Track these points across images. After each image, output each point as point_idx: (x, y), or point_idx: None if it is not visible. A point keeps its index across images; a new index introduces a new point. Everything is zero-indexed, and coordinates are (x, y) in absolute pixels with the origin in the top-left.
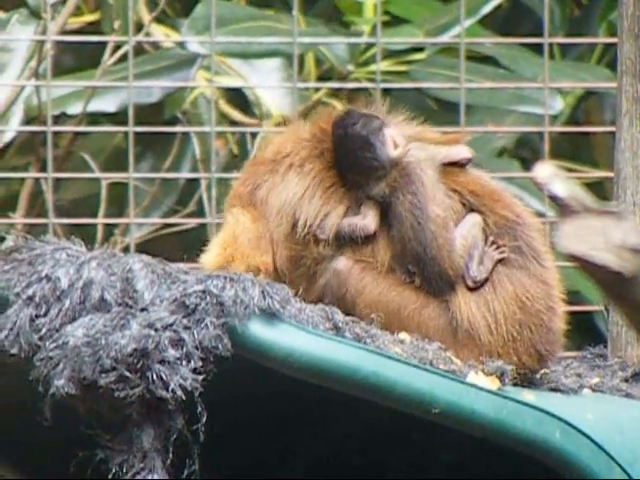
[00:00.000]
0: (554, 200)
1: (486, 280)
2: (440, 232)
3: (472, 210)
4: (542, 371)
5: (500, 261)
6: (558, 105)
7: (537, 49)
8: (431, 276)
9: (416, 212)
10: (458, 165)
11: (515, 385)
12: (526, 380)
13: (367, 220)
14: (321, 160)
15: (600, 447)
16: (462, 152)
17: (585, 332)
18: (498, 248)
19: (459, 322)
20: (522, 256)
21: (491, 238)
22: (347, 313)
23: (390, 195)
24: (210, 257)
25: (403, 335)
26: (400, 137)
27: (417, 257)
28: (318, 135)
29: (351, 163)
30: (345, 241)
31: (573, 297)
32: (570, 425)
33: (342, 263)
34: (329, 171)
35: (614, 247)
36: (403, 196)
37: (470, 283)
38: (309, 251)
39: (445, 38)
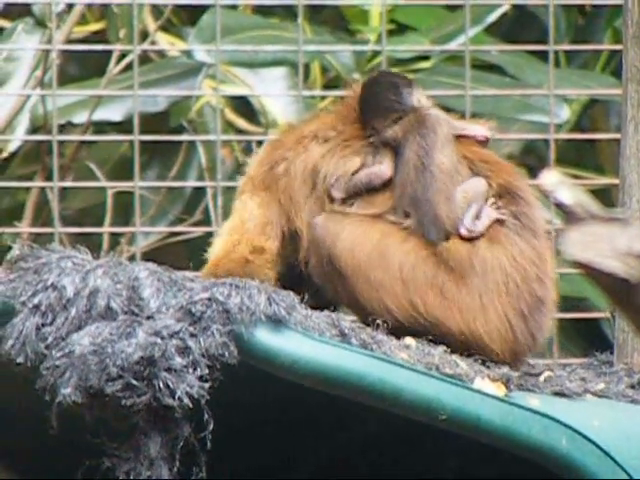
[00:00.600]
0: (560, 207)
1: (481, 235)
2: (441, 177)
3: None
4: (546, 374)
5: (498, 222)
6: (564, 113)
7: (542, 57)
8: (424, 219)
9: (421, 153)
10: (475, 140)
11: (520, 390)
12: (530, 383)
13: (383, 166)
14: (344, 130)
15: (606, 453)
16: (481, 130)
17: (592, 339)
18: (498, 209)
19: (447, 263)
20: (520, 224)
21: (492, 199)
22: (329, 264)
23: (402, 139)
24: (217, 242)
25: (409, 340)
26: (426, 99)
27: (414, 197)
28: (342, 111)
29: (374, 105)
30: (362, 192)
31: (580, 304)
32: (576, 431)
33: (320, 217)
34: (351, 134)
35: (620, 254)
36: (413, 138)
37: (464, 232)
38: (326, 209)
39: (451, 46)
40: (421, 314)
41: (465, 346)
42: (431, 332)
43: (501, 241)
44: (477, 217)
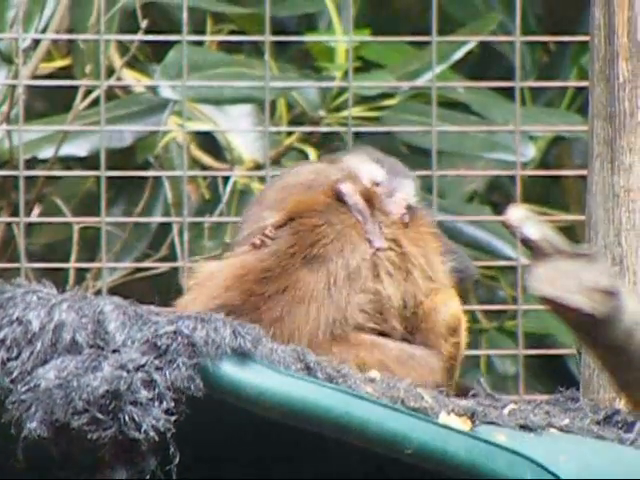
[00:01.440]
0: (526, 243)
1: None
2: None
3: None
4: (510, 407)
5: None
6: (530, 151)
7: (508, 95)
8: None
9: None
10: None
11: (484, 423)
12: (494, 415)
13: None
14: None
15: None
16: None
17: (557, 376)
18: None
19: None
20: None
21: None
22: None
23: None
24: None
25: (374, 373)
26: None
27: None
28: None
29: None
30: None
31: (545, 340)
32: (542, 467)
33: None
34: None
35: (586, 289)
36: None
37: None
38: None
39: (418, 83)
40: None
41: None
42: None
43: None
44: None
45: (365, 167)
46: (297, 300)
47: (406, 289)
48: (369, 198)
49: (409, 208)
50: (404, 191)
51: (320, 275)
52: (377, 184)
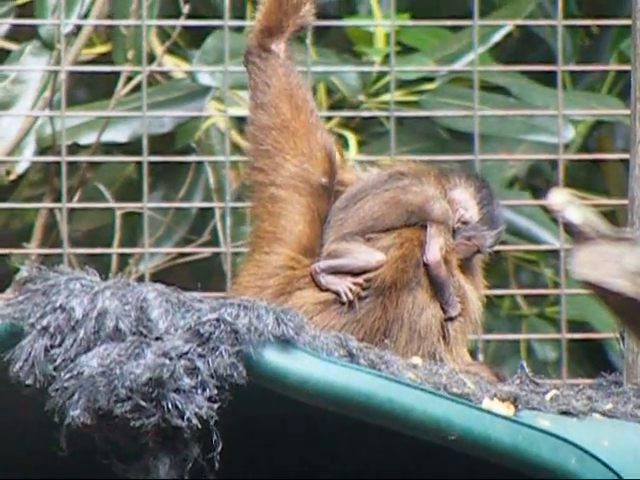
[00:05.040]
0: (568, 227)
1: None
2: None
3: None
4: (552, 393)
5: None
6: (569, 134)
7: (546, 79)
8: None
9: None
10: None
11: (527, 409)
12: (536, 401)
13: None
14: None
15: (616, 474)
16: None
17: (598, 363)
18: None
19: None
20: None
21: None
22: None
23: None
24: None
25: (416, 359)
26: None
27: None
28: None
29: None
30: None
31: (583, 327)
32: (586, 452)
33: None
34: None
35: (629, 273)
36: None
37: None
38: None
39: (456, 67)
40: None
41: None
42: None
43: None
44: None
45: (464, 206)
46: None
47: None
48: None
49: (478, 252)
50: (484, 239)
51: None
52: (465, 222)
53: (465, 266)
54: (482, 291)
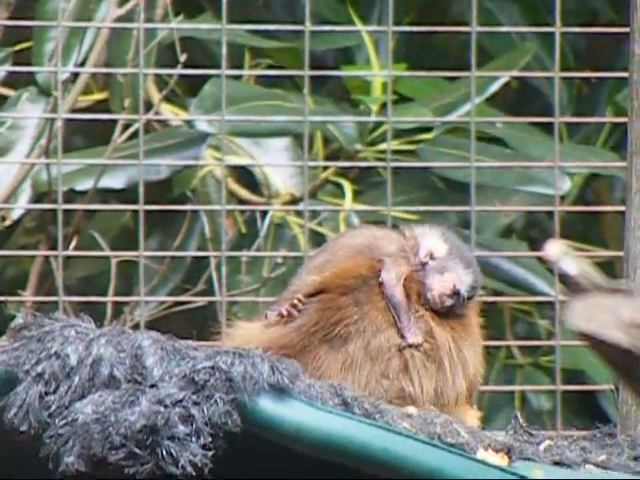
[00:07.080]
0: (564, 278)
1: None
2: None
3: None
4: (546, 443)
5: None
6: (566, 185)
7: (543, 130)
8: None
9: None
10: None
11: (520, 459)
12: (530, 451)
13: None
14: None
15: None
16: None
17: (592, 413)
18: None
19: None
20: None
21: None
22: None
23: None
24: None
25: (411, 409)
26: None
27: None
28: None
29: None
30: None
31: (580, 377)
32: None
33: None
34: None
35: (624, 325)
36: None
37: None
38: None
39: (453, 117)
40: None
41: None
42: None
43: None
44: None
45: (429, 240)
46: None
47: (437, 382)
48: (411, 284)
49: (457, 294)
50: (457, 274)
51: (339, 355)
52: (433, 257)
53: (458, 322)
54: (480, 349)
